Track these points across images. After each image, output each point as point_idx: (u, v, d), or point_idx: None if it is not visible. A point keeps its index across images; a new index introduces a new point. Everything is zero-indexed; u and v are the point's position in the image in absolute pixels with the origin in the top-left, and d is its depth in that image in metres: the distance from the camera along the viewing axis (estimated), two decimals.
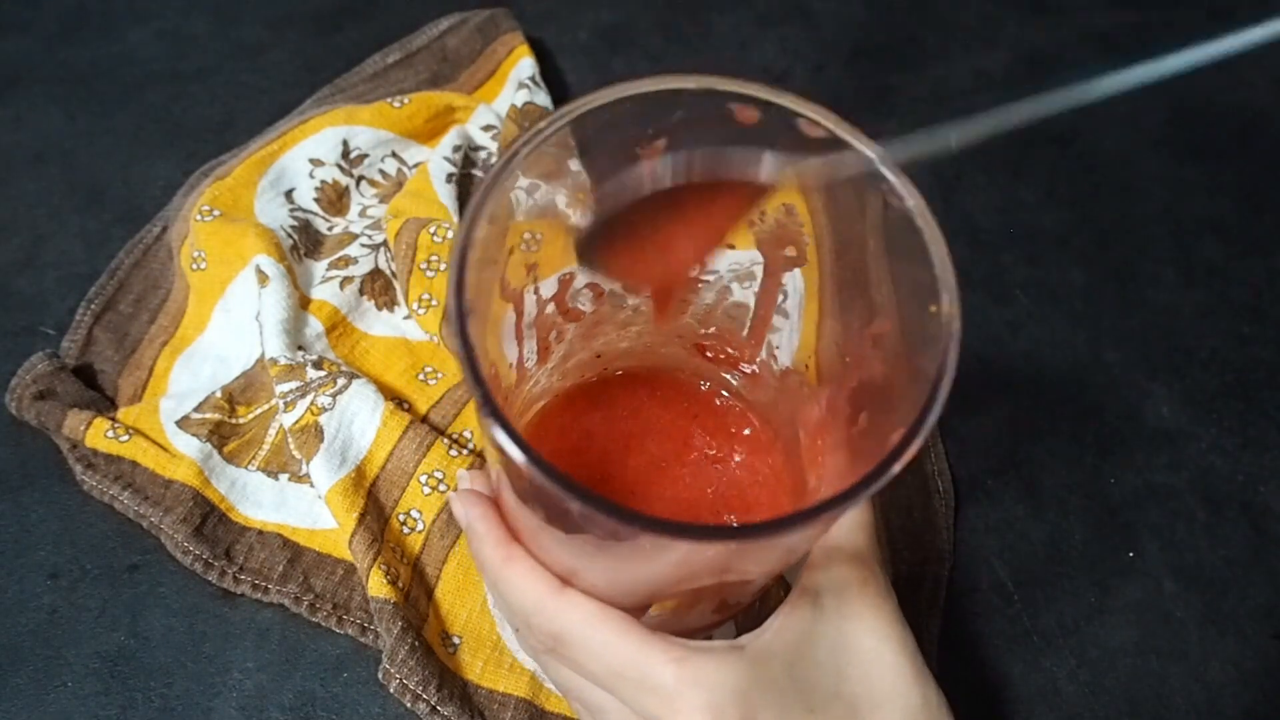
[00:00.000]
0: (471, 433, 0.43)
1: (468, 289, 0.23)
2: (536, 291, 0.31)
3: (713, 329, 0.34)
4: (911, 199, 0.24)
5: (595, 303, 0.33)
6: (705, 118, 0.26)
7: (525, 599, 0.27)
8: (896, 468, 0.21)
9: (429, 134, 0.52)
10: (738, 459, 0.35)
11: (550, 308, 0.32)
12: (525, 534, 0.28)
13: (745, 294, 0.33)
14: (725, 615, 0.32)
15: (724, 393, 0.36)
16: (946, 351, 0.22)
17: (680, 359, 0.36)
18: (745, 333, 0.34)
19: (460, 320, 0.22)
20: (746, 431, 0.36)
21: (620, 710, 0.27)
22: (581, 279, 0.32)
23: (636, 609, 0.27)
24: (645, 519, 0.21)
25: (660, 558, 0.25)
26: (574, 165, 0.26)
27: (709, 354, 0.36)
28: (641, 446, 0.35)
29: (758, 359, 0.34)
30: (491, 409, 0.21)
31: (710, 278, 0.33)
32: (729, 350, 0.35)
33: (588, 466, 0.35)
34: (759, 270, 0.32)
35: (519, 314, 0.31)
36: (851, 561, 0.28)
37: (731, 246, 0.31)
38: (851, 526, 0.29)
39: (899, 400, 0.23)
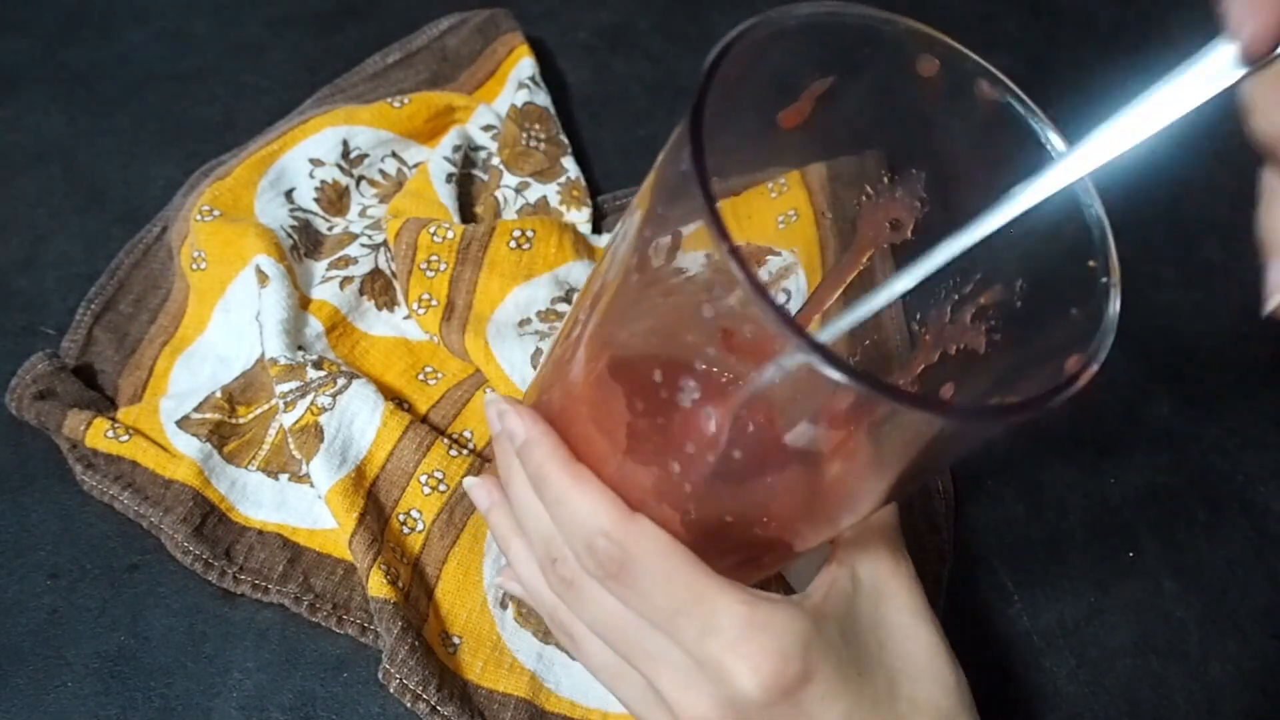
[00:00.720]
0: (472, 432, 0.43)
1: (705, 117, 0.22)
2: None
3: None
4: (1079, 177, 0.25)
5: (668, 257, 0.33)
6: (889, 62, 0.25)
7: (594, 518, 0.25)
8: (1080, 383, 0.22)
9: (429, 134, 0.52)
10: (755, 448, 0.35)
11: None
12: (597, 460, 0.27)
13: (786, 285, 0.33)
14: (767, 572, 0.32)
15: (742, 382, 0.36)
16: (1108, 295, 0.24)
17: (703, 346, 0.36)
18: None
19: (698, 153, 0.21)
20: (764, 420, 0.35)
21: (670, 653, 0.26)
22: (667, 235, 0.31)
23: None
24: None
25: (747, 489, 0.24)
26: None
27: (733, 342, 0.35)
28: (656, 432, 0.35)
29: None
30: (727, 241, 0.20)
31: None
32: (753, 340, 0.35)
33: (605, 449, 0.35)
34: (799, 266, 0.32)
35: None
36: (884, 542, 0.29)
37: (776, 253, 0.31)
38: (882, 511, 0.29)
39: (1016, 362, 0.24)
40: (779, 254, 0.32)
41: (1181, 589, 0.41)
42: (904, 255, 0.30)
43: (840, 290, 0.31)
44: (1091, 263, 0.24)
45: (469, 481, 0.33)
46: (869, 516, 0.29)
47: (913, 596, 0.28)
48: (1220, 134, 0.58)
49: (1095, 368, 0.22)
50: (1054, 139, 0.25)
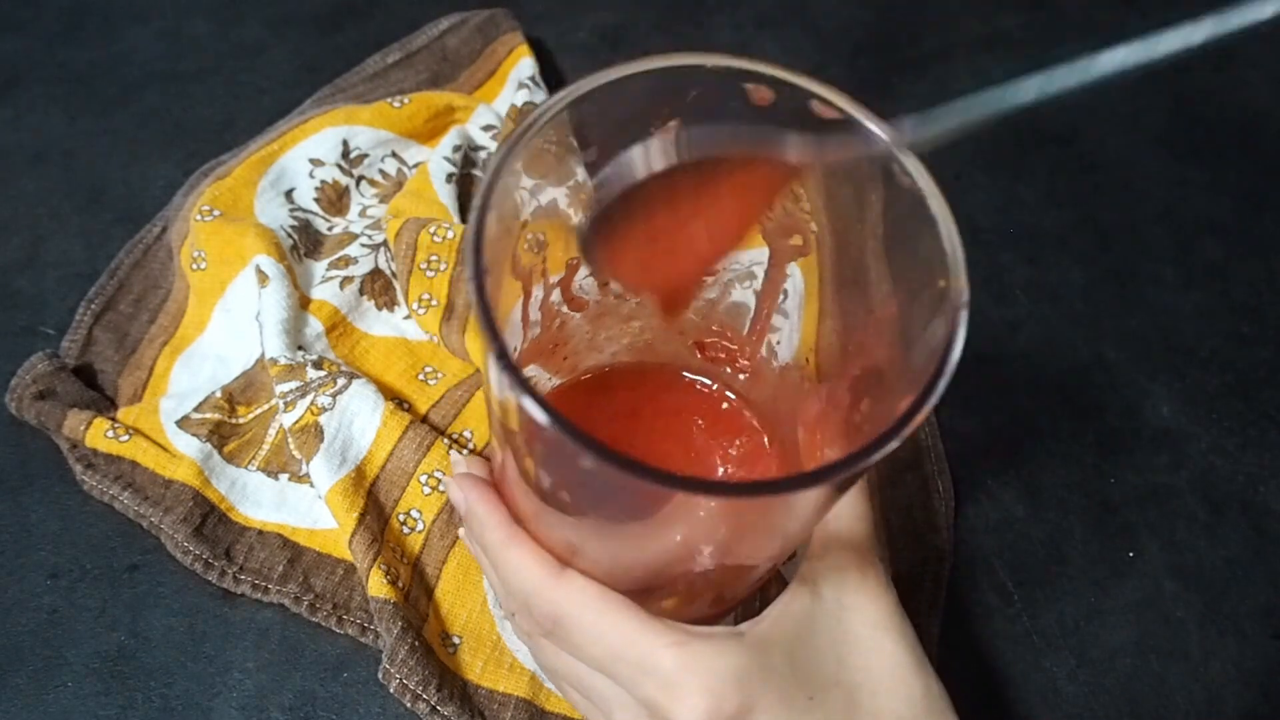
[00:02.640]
0: (472, 432, 0.43)
1: (485, 245, 0.22)
2: (544, 274, 0.31)
3: (714, 326, 0.34)
4: (921, 178, 0.24)
5: (601, 292, 0.33)
6: (719, 97, 0.25)
7: (525, 580, 0.26)
8: (903, 434, 0.21)
9: (429, 134, 0.52)
10: (734, 455, 0.35)
11: (556, 294, 0.32)
12: (526, 517, 0.28)
13: (746, 292, 0.33)
14: (723, 609, 0.32)
15: (723, 390, 0.36)
16: (956, 321, 0.22)
17: (680, 356, 0.36)
18: (746, 330, 0.34)
19: (478, 274, 0.22)
20: (743, 428, 0.36)
21: (618, 695, 0.27)
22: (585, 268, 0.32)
23: (636, 595, 0.27)
24: (651, 469, 0.20)
25: (661, 533, 0.25)
26: (577, 167, 0.26)
27: (709, 352, 0.36)
28: (638, 444, 0.35)
29: (758, 356, 0.34)
30: (503, 357, 0.21)
31: (712, 277, 0.33)
32: (729, 347, 0.35)
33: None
34: (760, 269, 0.32)
35: (526, 295, 0.31)
36: (850, 552, 0.28)
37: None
38: (851, 518, 0.29)
39: (904, 381, 0.23)
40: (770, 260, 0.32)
41: (1181, 589, 0.41)
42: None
43: (777, 301, 0.32)
44: (942, 282, 0.23)
45: (447, 481, 0.33)
46: (835, 525, 0.29)
47: (879, 608, 0.28)
48: (1220, 134, 0.59)
49: (924, 413, 0.21)
50: (880, 130, 0.25)
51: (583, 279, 0.32)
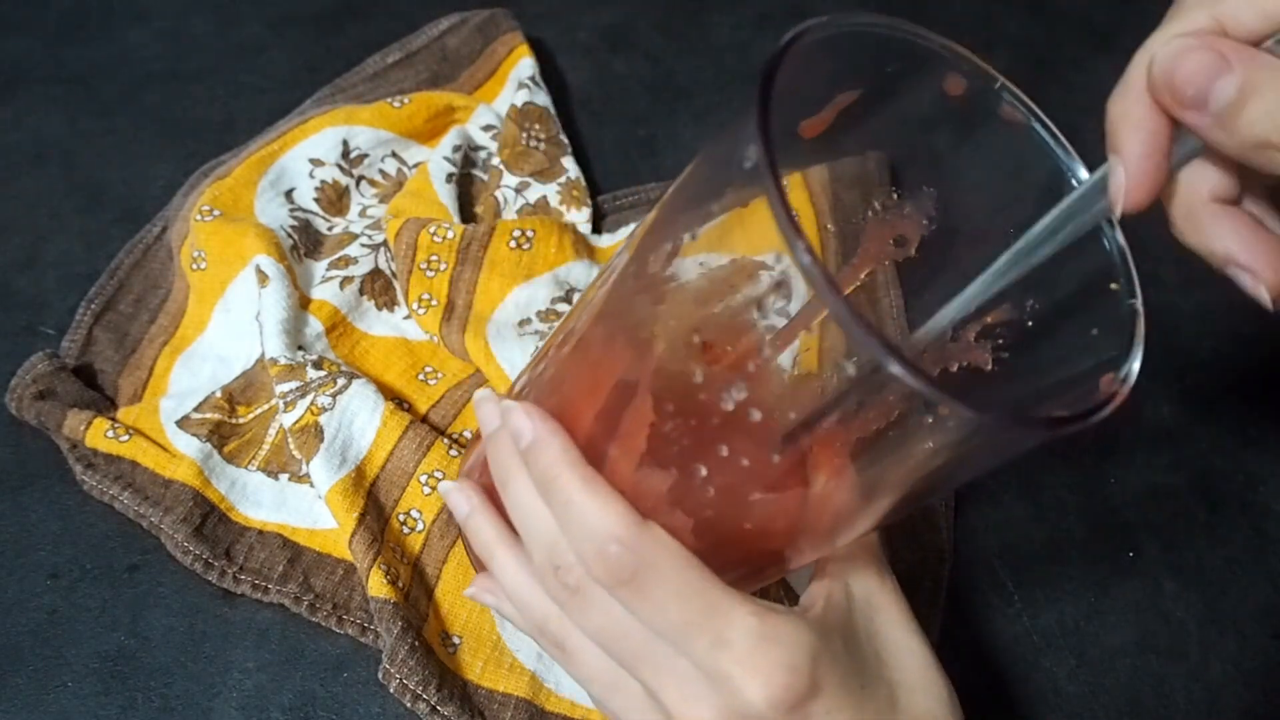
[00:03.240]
0: (472, 433, 0.43)
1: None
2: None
3: (730, 334, 0.34)
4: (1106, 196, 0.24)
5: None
6: (917, 78, 0.25)
7: (606, 524, 0.24)
8: (1115, 403, 0.22)
9: (429, 134, 0.52)
10: (745, 463, 0.35)
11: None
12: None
13: (775, 302, 0.33)
14: (771, 582, 0.32)
15: (734, 395, 0.36)
16: (1135, 317, 0.24)
17: (688, 359, 0.36)
18: (769, 338, 0.34)
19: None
20: (755, 434, 0.36)
21: (676, 665, 0.25)
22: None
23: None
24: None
25: (761, 504, 0.25)
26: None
27: (711, 354, 0.35)
28: (650, 447, 0.35)
29: (771, 364, 0.34)
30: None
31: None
32: (741, 354, 0.35)
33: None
34: (793, 280, 0.32)
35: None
36: (868, 555, 0.29)
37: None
38: None
39: (1030, 380, 0.24)
40: (770, 267, 0.32)
41: (1181, 589, 0.41)
42: (907, 272, 0.30)
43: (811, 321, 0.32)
44: (1114, 285, 0.24)
45: (444, 486, 0.32)
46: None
47: (901, 610, 0.29)
48: None
49: (1128, 388, 0.23)
50: (1077, 168, 0.26)
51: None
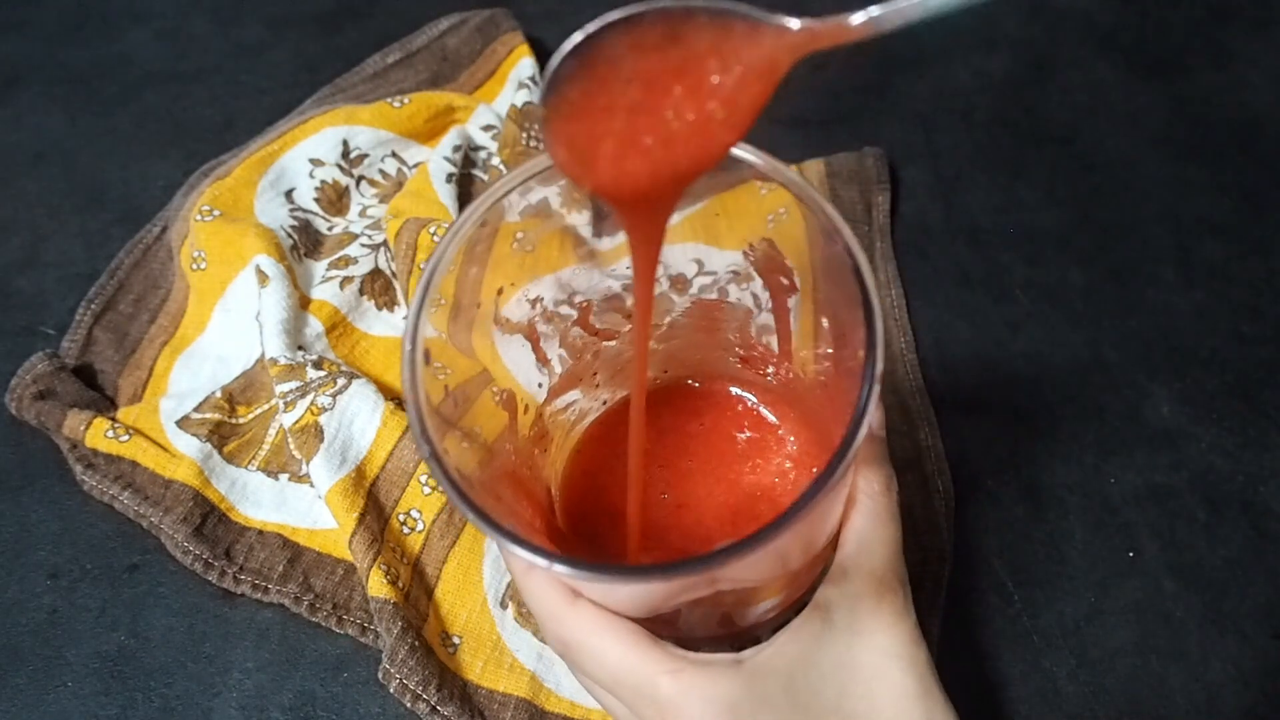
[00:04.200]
0: None
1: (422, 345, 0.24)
2: (548, 318, 0.31)
3: (749, 343, 0.35)
4: (854, 247, 0.25)
5: (627, 321, 0.34)
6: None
7: (542, 607, 0.28)
8: (817, 497, 0.22)
9: (429, 134, 0.52)
10: (775, 468, 0.35)
11: (575, 330, 0.33)
12: None
13: (766, 300, 0.33)
14: (734, 630, 0.32)
15: (765, 405, 0.36)
16: (869, 395, 0.23)
17: (724, 370, 0.36)
18: (776, 348, 0.34)
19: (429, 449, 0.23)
20: (783, 440, 0.36)
21: (627, 715, 0.28)
22: (600, 303, 0.32)
23: (645, 620, 0.28)
24: (608, 568, 0.23)
25: (643, 585, 0.26)
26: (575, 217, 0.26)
27: (752, 368, 0.36)
28: (684, 456, 0.35)
29: (792, 374, 0.35)
30: (437, 461, 0.23)
31: (726, 277, 0.33)
32: (768, 364, 0.35)
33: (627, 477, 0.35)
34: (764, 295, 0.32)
35: (533, 341, 0.32)
36: (868, 578, 0.28)
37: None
38: (873, 543, 0.29)
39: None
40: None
41: (1181, 589, 0.41)
42: None
43: (791, 326, 0.33)
44: (860, 352, 0.24)
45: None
46: (855, 550, 0.29)
47: (891, 636, 0.28)
48: (1220, 134, 0.59)
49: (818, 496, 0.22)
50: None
51: (601, 314, 0.33)
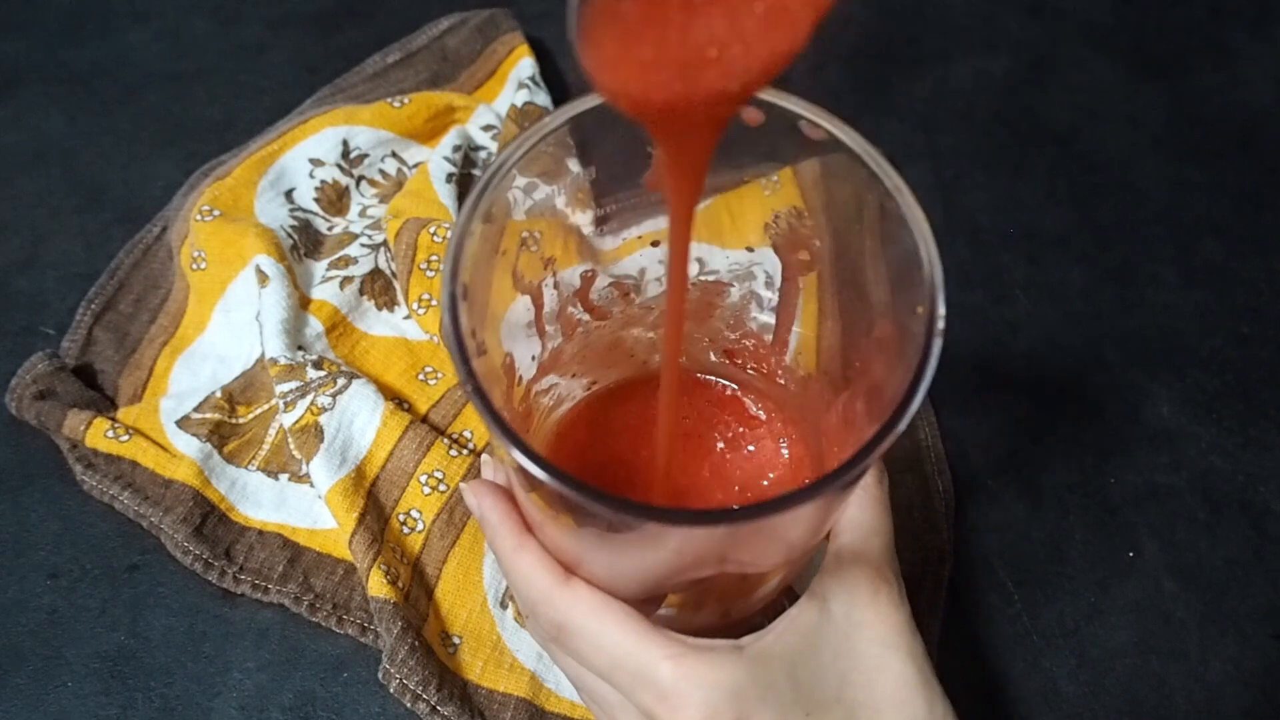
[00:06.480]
0: (472, 432, 0.43)
1: (462, 277, 0.23)
2: (556, 286, 0.31)
3: (740, 333, 0.35)
4: (905, 202, 0.25)
5: (623, 302, 0.33)
6: None
7: (532, 588, 0.27)
8: (870, 459, 0.22)
9: (429, 134, 0.52)
10: (759, 461, 0.35)
11: (575, 305, 0.32)
12: (534, 525, 0.28)
13: (768, 297, 0.33)
14: (731, 620, 0.32)
15: (751, 398, 0.36)
16: (929, 350, 0.23)
17: (710, 363, 0.36)
18: (770, 338, 0.34)
19: (454, 322, 0.22)
20: (769, 435, 0.36)
21: (620, 702, 0.27)
22: (604, 278, 0.32)
23: (642, 603, 0.27)
24: (638, 507, 0.21)
25: (658, 545, 0.25)
26: (574, 166, 0.26)
27: (737, 359, 0.36)
28: (669, 447, 0.35)
29: (783, 364, 0.34)
30: (479, 394, 0.22)
31: (728, 275, 0.33)
32: (755, 355, 0.35)
33: (615, 463, 0.35)
34: (778, 275, 0.32)
35: (537, 307, 0.31)
36: (864, 568, 0.28)
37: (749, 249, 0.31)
38: (867, 533, 0.29)
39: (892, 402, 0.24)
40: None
41: (1181, 589, 0.41)
42: None
43: (795, 312, 0.32)
44: (919, 308, 0.24)
45: (463, 486, 0.33)
46: (850, 540, 0.29)
47: (888, 626, 0.28)
48: (1220, 134, 0.59)
49: (886, 443, 0.22)
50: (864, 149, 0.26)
51: (601, 289, 0.33)
